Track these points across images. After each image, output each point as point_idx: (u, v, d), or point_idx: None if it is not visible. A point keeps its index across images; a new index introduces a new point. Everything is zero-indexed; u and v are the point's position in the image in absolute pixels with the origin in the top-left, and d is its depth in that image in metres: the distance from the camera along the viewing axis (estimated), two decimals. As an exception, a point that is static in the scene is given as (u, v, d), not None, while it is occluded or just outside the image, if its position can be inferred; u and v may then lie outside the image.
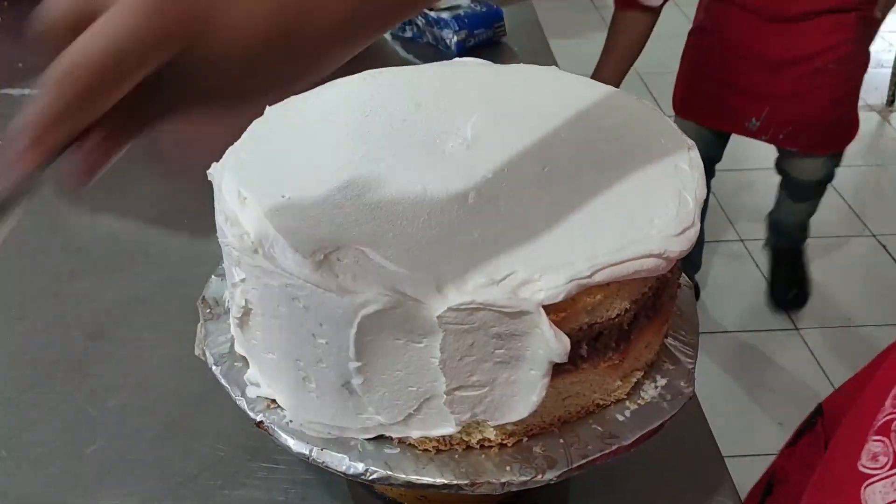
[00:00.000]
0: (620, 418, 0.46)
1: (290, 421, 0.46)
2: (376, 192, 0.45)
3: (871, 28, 1.60)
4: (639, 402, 0.47)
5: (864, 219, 2.25)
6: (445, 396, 0.42)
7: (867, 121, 2.72)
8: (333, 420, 0.45)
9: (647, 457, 0.53)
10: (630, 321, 0.44)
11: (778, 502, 0.61)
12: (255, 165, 0.48)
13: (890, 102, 2.76)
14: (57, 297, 0.75)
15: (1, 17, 1.25)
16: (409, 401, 0.43)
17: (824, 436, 0.57)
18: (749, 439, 1.62)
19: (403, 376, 0.42)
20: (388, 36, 1.21)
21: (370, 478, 0.43)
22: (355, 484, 0.56)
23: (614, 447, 0.44)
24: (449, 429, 0.43)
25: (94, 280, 0.77)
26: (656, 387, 0.48)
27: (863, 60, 1.67)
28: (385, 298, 0.39)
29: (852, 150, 2.60)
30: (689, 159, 0.49)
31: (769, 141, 1.66)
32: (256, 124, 0.53)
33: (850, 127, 1.70)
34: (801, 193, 1.83)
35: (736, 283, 2.05)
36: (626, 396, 0.47)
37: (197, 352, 0.52)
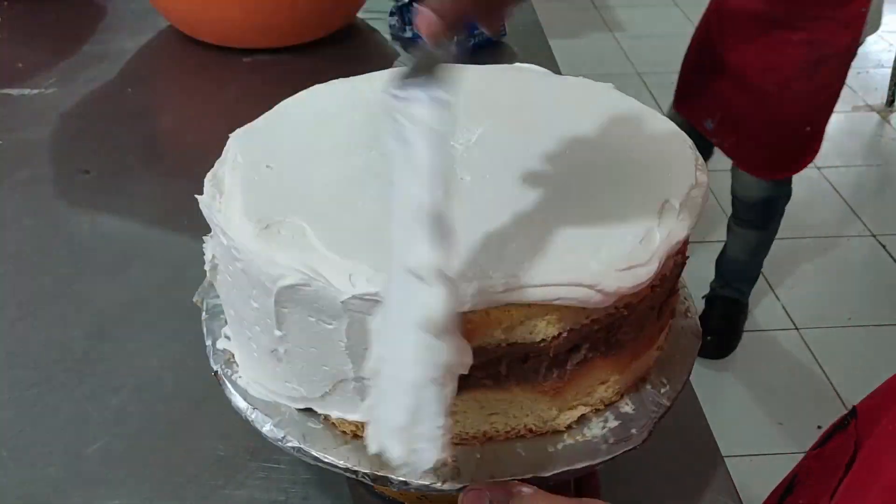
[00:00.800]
0: (550, 449, 0.44)
1: (240, 377, 0.48)
2: (356, 178, 0.47)
3: (828, 55, 1.48)
4: (577, 437, 0.45)
5: (864, 219, 2.25)
6: (353, 383, 0.43)
7: (867, 121, 2.72)
8: (269, 384, 0.46)
9: (647, 457, 0.53)
10: (567, 350, 0.43)
11: (797, 502, 0.61)
12: (261, 139, 0.52)
13: (890, 102, 2.76)
14: (57, 297, 0.75)
15: (1, 17, 1.25)
16: (324, 379, 0.44)
17: (856, 437, 0.57)
18: (749, 439, 1.63)
19: (317, 354, 0.43)
20: (387, 36, 1.21)
21: (286, 445, 0.45)
22: (355, 484, 0.56)
23: (528, 476, 0.43)
24: (359, 415, 0.44)
25: (94, 280, 0.77)
26: (604, 426, 0.45)
27: (815, 87, 1.52)
28: (298, 275, 0.40)
29: (852, 150, 2.61)
30: (687, 197, 0.46)
31: (717, 146, 1.65)
32: (281, 105, 0.56)
33: (797, 155, 1.63)
34: (743, 214, 1.77)
35: (736, 283, 2.05)
36: (564, 429, 0.45)
37: (195, 299, 0.54)
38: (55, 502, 0.57)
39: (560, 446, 0.44)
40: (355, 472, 0.43)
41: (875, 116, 2.73)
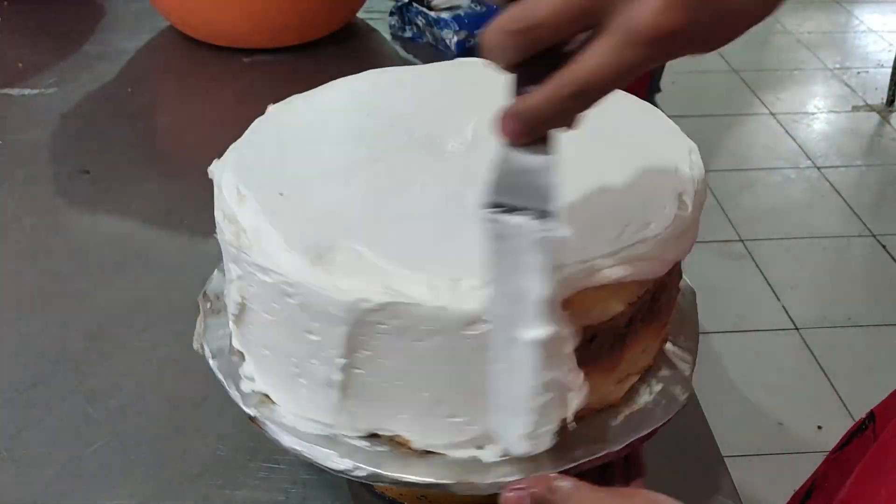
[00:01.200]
0: (612, 423, 0.45)
1: (284, 416, 0.46)
2: (373, 192, 0.46)
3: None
4: (632, 407, 0.46)
5: (864, 219, 2.25)
6: (436, 403, 0.42)
7: (867, 121, 2.72)
8: (324, 417, 0.45)
9: (647, 457, 0.53)
10: (626, 324, 0.44)
11: None
12: (256, 163, 0.49)
13: (890, 102, 2.76)
14: (57, 297, 0.75)
15: (1, 17, 1.25)
16: (400, 401, 0.43)
17: (873, 441, 0.57)
18: (749, 439, 1.63)
19: (405, 376, 0.42)
20: (387, 36, 1.21)
21: (357, 474, 0.43)
22: (356, 484, 0.56)
23: (603, 452, 0.44)
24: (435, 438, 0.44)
25: (94, 280, 0.77)
26: (651, 392, 0.47)
27: None
28: (379, 296, 0.39)
29: (852, 150, 2.61)
30: (689, 162, 0.48)
31: None
32: (258, 123, 0.53)
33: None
34: None
35: (736, 283, 2.05)
36: (619, 401, 0.46)
37: (195, 346, 0.52)
38: (55, 502, 0.57)
39: (620, 419, 0.46)
40: (435, 484, 0.43)
41: (875, 116, 2.73)
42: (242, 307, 0.46)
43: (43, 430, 0.62)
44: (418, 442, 0.44)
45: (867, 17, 3.42)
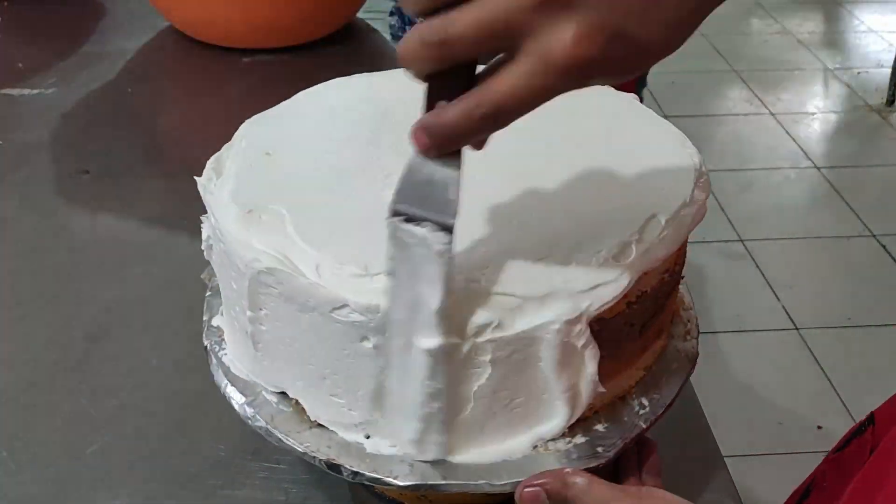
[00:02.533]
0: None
1: (225, 356, 0.50)
2: (344, 175, 0.48)
3: None
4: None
5: (864, 219, 2.25)
6: (320, 377, 0.45)
7: (867, 121, 2.72)
8: (247, 364, 0.48)
9: (647, 457, 0.53)
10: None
11: None
12: (274, 127, 0.53)
13: (890, 102, 2.76)
14: (57, 297, 0.75)
15: (1, 17, 1.25)
16: (293, 366, 0.45)
17: (872, 443, 0.57)
18: (749, 439, 1.63)
19: (288, 341, 0.44)
20: (387, 36, 1.21)
21: (252, 423, 0.46)
22: (355, 484, 0.56)
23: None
24: (326, 411, 0.46)
25: (94, 280, 0.77)
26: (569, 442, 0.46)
27: None
28: (269, 260, 0.42)
29: (852, 150, 2.61)
30: (676, 214, 0.46)
31: None
32: (300, 95, 0.57)
33: None
34: None
35: (736, 283, 2.05)
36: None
37: (203, 275, 0.56)
38: (55, 502, 0.57)
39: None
40: (313, 457, 0.44)
41: (875, 116, 2.73)
42: (209, 246, 0.50)
43: (43, 430, 0.62)
44: (311, 412, 0.45)
45: (867, 17, 3.42)
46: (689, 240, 0.49)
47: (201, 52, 1.15)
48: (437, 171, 0.37)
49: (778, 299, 1.99)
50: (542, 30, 0.32)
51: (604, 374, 0.43)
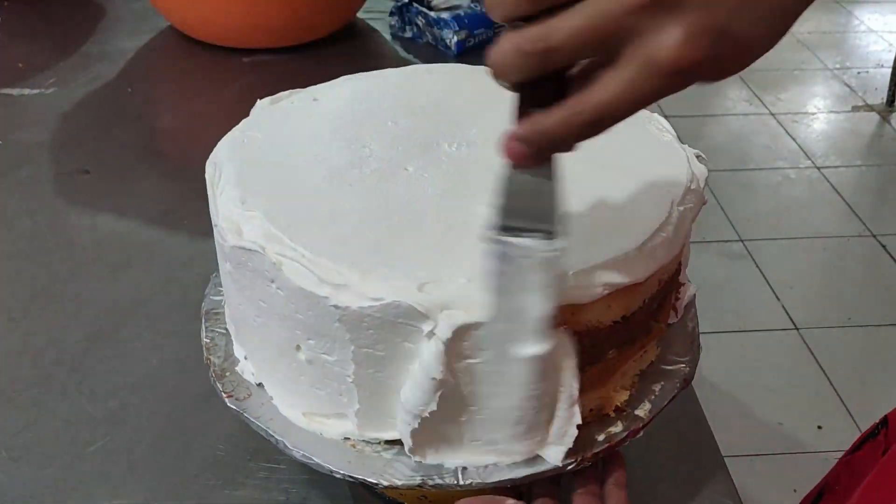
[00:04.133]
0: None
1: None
2: (335, 172, 0.49)
3: None
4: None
5: (864, 219, 2.25)
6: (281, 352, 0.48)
7: (867, 121, 2.72)
8: (230, 329, 0.52)
9: (647, 457, 0.53)
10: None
11: None
12: (263, 117, 0.55)
13: (890, 102, 2.76)
14: (57, 297, 0.75)
15: (1, 17, 1.25)
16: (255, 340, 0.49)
17: (885, 445, 0.57)
18: (749, 439, 1.63)
19: (264, 316, 0.46)
20: (387, 36, 1.21)
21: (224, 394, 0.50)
22: (356, 485, 0.56)
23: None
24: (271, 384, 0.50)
25: (94, 280, 0.77)
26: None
27: None
28: (236, 238, 0.44)
29: (852, 150, 2.61)
30: (653, 237, 0.45)
31: None
32: (315, 88, 0.58)
33: None
34: None
35: (736, 283, 2.05)
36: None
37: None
38: (55, 502, 0.57)
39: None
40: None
41: (875, 116, 2.73)
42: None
43: (43, 430, 0.62)
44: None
45: (867, 17, 3.42)
46: (688, 240, 0.49)
47: (201, 52, 1.15)
48: (535, 180, 0.36)
49: (778, 299, 1.99)
50: (647, 33, 0.31)
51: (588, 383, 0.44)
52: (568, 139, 0.34)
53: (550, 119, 0.34)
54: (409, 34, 1.19)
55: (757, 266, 2.09)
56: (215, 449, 0.60)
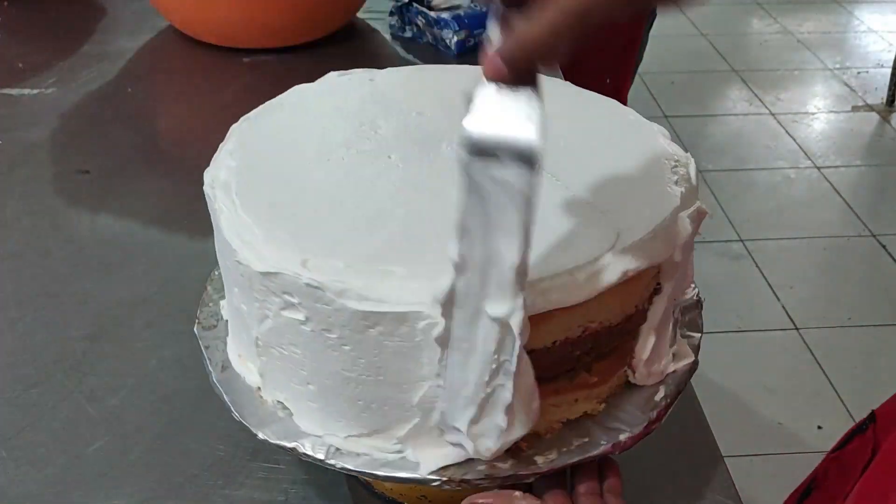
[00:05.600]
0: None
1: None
2: (332, 176, 0.49)
3: None
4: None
5: (864, 219, 2.25)
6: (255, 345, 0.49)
7: (867, 121, 2.72)
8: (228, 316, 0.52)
9: (647, 457, 0.53)
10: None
11: None
12: (258, 122, 0.55)
13: (890, 102, 2.76)
14: (57, 297, 0.75)
15: (1, 17, 1.25)
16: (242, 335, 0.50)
17: (874, 442, 0.57)
18: (749, 439, 1.62)
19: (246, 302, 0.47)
20: (387, 36, 1.21)
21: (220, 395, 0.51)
22: (355, 484, 0.56)
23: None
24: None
25: (94, 280, 0.77)
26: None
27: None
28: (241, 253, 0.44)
29: (852, 150, 2.61)
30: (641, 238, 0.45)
31: None
32: (295, 89, 0.59)
33: None
34: None
35: (736, 283, 2.05)
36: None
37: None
38: (55, 502, 0.57)
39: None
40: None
41: (875, 116, 2.73)
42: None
43: (43, 430, 0.62)
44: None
45: (867, 17, 3.42)
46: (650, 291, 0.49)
47: (201, 52, 1.15)
48: (513, 98, 0.34)
49: (778, 299, 1.99)
50: None
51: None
52: (556, 41, 0.33)
53: (538, 21, 0.33)
54: (409, 34, 1.19)
55: (757, 266, 2.09)
56: (215, 449, 0.60)
